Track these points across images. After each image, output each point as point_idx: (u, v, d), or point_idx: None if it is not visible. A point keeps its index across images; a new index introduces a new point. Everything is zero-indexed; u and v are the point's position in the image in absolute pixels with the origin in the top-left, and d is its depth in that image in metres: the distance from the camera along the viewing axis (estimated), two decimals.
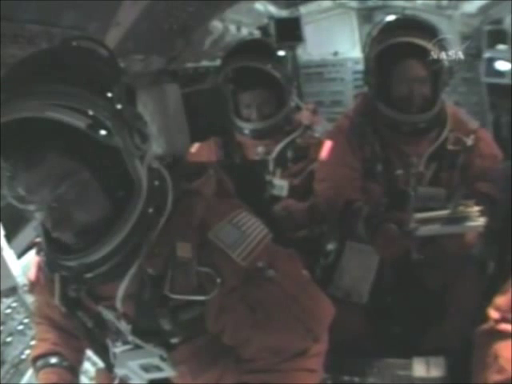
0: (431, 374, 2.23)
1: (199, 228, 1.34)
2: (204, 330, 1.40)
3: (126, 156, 1.23)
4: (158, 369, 1.43)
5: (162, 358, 1.40)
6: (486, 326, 1.47)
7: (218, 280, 1.31)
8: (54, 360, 1.62)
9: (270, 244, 1.42)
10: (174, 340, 1.41)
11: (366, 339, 2.49)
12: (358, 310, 2.52)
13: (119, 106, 1.21)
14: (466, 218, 2.20)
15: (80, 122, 1.16)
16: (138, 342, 1.40)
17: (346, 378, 2.32)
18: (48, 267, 1.40)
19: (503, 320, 1.42)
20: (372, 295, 2.52)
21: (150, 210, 1.30)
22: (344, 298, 2.50)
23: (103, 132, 1.18)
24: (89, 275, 1.30)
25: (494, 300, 1.47)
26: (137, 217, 1.27)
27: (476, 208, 2.21)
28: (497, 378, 1.36)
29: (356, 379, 2.32)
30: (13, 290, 2.09)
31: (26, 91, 1.17)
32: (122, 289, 1.33)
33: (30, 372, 1.91)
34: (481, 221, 2.19)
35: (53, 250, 1.35)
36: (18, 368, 1.95)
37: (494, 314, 1.45)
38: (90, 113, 1.17)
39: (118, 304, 1.37)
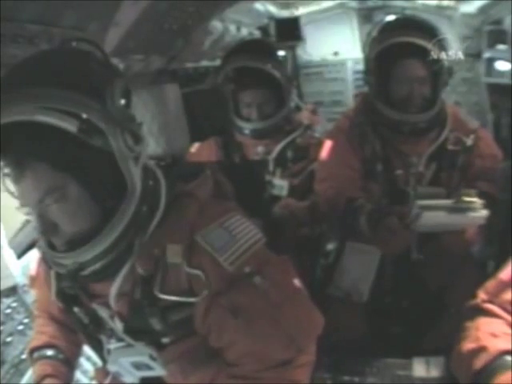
0: (431, 374, 2.23)
1: (190, 230, 1.33)
2: (194, 330, 1.39)
3: (119, 158, 1.23)
4: (149, 367, 1.43)
5: (152, 357, 1.41)
6: (472, 303, 1.49)
7: (206, 282, 1.31)
8: (50, 352, 1.63)
9: (263, 250, 1.40)
10: (165, 340, 1.41)
11: (366, 339, 2.49)
12: (358, 310, 2.51)
13: (112, 108, 1.21)
14: (469, 208, 2.17)
15: (71, 126, 1.16)
16: (129, 340, 1.41)
17: (346, 378, 2.32)
18: (46, 263, 1.42)
19: (490, 302, 1.46)
20: (372, 295, 2.51)
21: (144, 209, 1.30)
22: (344, 297, 2.49)
23: (95, 135, 1.18)
24: (83, 273, 1.31)
25: (485, 284, 1.50)
26: (130, 217, 1.27)
27: (479, 199, 2.19)
28: (471, 346, 1.38)
29: (356, 379, 2.32)
30: (13, 290, 2.10)
31: (18, 94, 1.17)
32: (115, 287, 1.34)
33: (29, 372, 1.91)
34: (483, 213, 2.15)
35: (48, 247, 1.36)
36: (18, 368, 1.96)
37: (482, 295, 1.49)
38: (82, 116, 1.17)
39: (112, 302, 1.37)
